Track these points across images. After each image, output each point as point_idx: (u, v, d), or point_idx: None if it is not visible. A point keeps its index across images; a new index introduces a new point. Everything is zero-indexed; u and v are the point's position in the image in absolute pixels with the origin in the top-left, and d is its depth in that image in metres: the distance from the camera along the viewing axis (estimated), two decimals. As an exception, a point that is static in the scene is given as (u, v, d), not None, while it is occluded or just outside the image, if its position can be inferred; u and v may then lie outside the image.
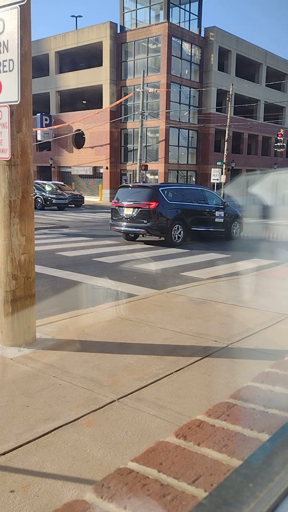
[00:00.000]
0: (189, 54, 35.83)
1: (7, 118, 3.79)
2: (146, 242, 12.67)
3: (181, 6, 35.36)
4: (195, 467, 0.84)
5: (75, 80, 38.12)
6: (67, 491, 2.17)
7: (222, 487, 0.62)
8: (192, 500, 0.74)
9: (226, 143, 32.98)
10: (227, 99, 33.27)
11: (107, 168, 36.91)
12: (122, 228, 12.40)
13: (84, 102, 40.60)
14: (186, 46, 35.37)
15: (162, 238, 12.21)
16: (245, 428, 0.96)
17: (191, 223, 12.64)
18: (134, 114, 34.87)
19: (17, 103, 3.74)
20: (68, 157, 39.32)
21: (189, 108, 36.16)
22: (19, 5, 3.62)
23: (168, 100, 33.88)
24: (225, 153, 32.95)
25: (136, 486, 0.78)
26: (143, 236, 12.65)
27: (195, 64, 36.54)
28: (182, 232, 12.32)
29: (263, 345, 4.20)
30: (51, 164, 39.88)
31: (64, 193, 27.80)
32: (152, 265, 9.37)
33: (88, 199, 35.97)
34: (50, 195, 26.73)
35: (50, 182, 30.10)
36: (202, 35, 36.42)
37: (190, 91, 36.17)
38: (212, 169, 31.76)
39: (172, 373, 3.52)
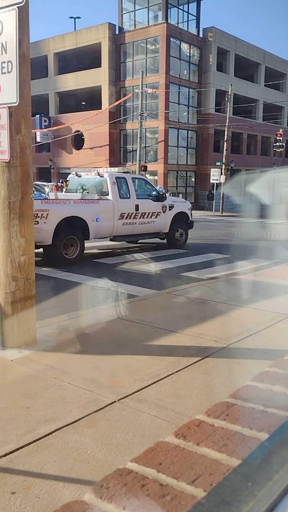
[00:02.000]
0: (188, 54, 35.81)
1: (6, 119, 3.79)
2: (147, 243, 12.67)
3: (179, 7, 35.35)
4: (194, 467, 0.83)
5: (74, 81, 38.11)
6: (68, 492, 2.17)
7: (220, 487, 0.62)
8: (192, 500, 0.74)
9: (225, 143, 32.96)
10: (226, 99, 33.25)
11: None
12: None
13: (83, 103, 40.59)
14: (184, 46, 35.36)
15: None
16: (244, 427, 0.96)
17: None
18: (133, 115, 34.86)
19: (15, 104, 3.74)
20: (68, 158, 39.31)
21: (188, 108, 36.14)
22: (17, 7, 3.63)
23: (167, 100, 33.87)
24: (224, 153, 32.93)
25: (135, 487, 0.78)
26: None
27: (194, 65, 36.53)
28: None
29: (263, 345, 4.19)
30: (50, 166, 39.87)
31: (64, 194, 27.77)
32: (152, 265, 9.37)
33: (88, 200, 35.87)
34: (50, 197, 26.70)
35: (50, 183, 30.08)
36: (201, 35, 36.40)
37: (189, 91, 36.15)
38: (212, 169, 31.75)
39: (172, 373, 3.51)
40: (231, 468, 0.80)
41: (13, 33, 3.67)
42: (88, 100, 39.42)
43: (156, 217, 11.45)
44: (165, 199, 11.76)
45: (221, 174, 31.38)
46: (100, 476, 2.25)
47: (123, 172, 11.41)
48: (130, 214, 10.77)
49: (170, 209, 11.79)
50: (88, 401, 3.03)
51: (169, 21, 33.86)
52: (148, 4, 34.92)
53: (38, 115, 38.05)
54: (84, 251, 9.96)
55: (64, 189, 11.67)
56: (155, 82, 33.42)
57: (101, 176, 10.81)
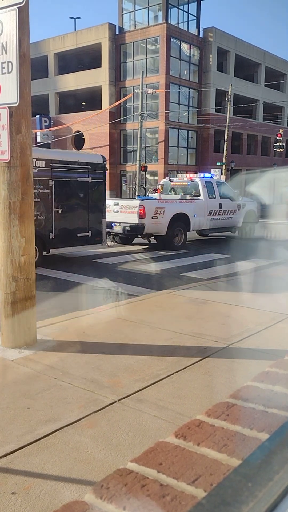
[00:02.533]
0: (188, 54, 35.80)
1: (6, 119, 3.79)
2: (146, 243, 12.67)
3: (179, 7, 35.34)
4: (194, 467, 0.83)
5: (74, 81, 38.12)
6: (69, 492, 2.17)
7: (221, 487, 0.62)
8: (192, 500, 0.74)
9: (225, 143, 32.95)
10: (226, 99, 33.25)
11: (106, 169, 36.85)
12: None
13: (83, 103, 40.59)
14: (184, 46, 35.35)
15: None
16: (244, 427, 0.96)
17: None
18: (133, 115, 34.86)
19: (16, 104, 3.74)
20: (68, 158, 39.24)
21: (188, 108, 36.13)
22: (17, 7, 3.63)
23: (167, 100, 33.86)
24: (224, 153, 32.92)
25: (135, 487, 0.77)
26: None
27: (194, 65, 36.52)
28: None
29: (264, 345, 4.19)
30: (50, 166, 39.82)
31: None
32: (152, 265, 9.37)
33: (88, 200, 35.84)
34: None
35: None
36: (201, 35, 36.39)
37: (189, 91, 36.14)
38: (212, 170, 31.70)
39: (172, 373, 3.51)
40: (231, 469, 0.80)
41: (13, 33, 3.67)
42: (88, 100, 39.42)
43: (233, 213, 13.83)
44: (240, 199, 14.21)
45: (222, 174, 31.36)
46: (101, 476, 2.25)
47: (209, 177, 14.11)
48: (216, 211, 13.26)
49: (243, 207, 14.17)
50: (88, 401, 3.03)
51: (169, 21, 33.86)
52: (148, 4, 34.92)
53: (39, 115, 38.05)
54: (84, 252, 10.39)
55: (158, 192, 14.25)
56: (155, 82, 33.41)
57: (192, 181, 13.56)
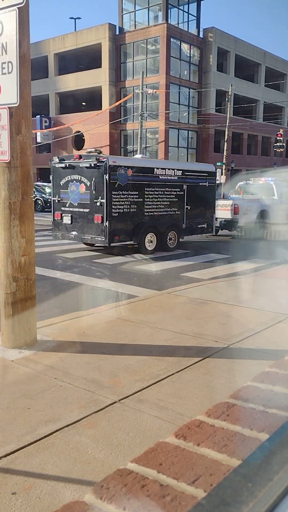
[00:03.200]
0: (188, 55, 35.80)
1: (6, 120, 3.79)
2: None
3: (179, 7, 35.34)
4: (194, 467, 0.83)
5: (74, 82, 38.12)
6: (69, 492, 2.17)
7: (220, 487, 0.62)
8: (192, 500, 0.74)
9: (225, 143, 32.94)
10: (226, 99, 33.23)
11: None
12: None
13: (84, 103, 40.60)
14: (185, 47, 35.35)
15: None
16: (244, 428, 0.96)
17: None
18: (133, 115, 34.86)
19: (16, 105, 3.74)
20: (68, 158, 39.19)
21: (189, 108, 36.13)
22: (18, 7, 3.63)
23: (167, 101, 33.86)
24: (224, 153, 32.91)
25: (135, 487, 0.77)
26: None
27: (194, 65, 36.51)
28: None
29: (264, 345, 4.19)
30: (51, 166, 39.78)
31: (64, 195, 27.73)
32: (152, 266, 9.37)
33: (88, 201, 35.82)
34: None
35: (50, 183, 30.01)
36: (201, 35, 36.40)
37: (189, 91, 36.14)
38: (212, 170, 31.67)
39: (173, 374, 3.51)
40: (231, 469, 0.80)
41: (13, 34, 3.67)
42: (88, 100, 39.42)
43: None
44: None
45: (222, 174, 31.32)
46: (101, 476, 2.24)
47: (280, 180, 16.65)
48: (286, 208, 15.73)
49: None
50: (88, 402, 3.03)
51: (169, 22, 33.86)
52: (148, 5, 34.91)
53: (39, 116, 38.05)
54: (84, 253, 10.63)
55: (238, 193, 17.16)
56: (156, 83, 33.41)
57: (267, 183, 16.37)
